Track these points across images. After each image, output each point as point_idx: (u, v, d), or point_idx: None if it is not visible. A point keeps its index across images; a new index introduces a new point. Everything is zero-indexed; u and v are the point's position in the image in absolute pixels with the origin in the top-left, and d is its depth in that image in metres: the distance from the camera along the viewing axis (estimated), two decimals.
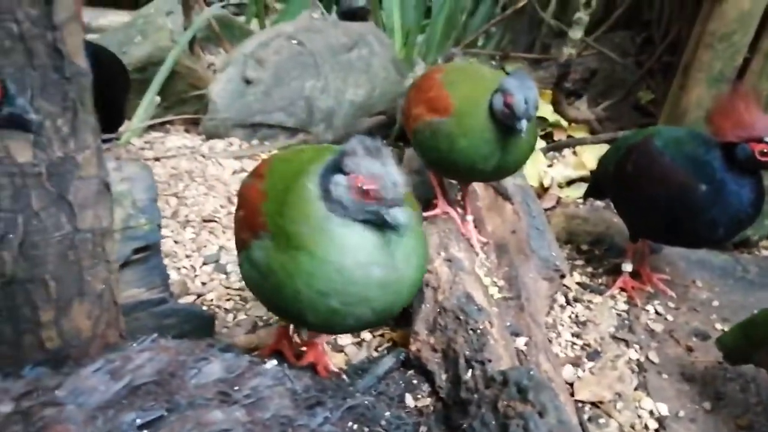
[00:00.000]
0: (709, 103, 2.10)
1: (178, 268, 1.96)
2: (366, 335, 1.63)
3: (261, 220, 1.04)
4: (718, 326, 1.82)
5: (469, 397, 1.17)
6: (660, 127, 1.90)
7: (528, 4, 3.23)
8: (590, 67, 3.11)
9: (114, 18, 3.66)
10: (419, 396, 1.35)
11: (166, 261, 1.93)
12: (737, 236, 2.16)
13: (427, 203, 1.88)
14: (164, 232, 2.09)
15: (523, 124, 1.43)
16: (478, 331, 1.33)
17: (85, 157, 1.02)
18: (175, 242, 2.07)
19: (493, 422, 1.06)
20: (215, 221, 2.18)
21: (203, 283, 1.91)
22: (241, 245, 1.13)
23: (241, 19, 4.08)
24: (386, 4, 3.87)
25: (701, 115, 2.12)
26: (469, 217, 1.86)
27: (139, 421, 0.84)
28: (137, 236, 1.44)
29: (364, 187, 0.94)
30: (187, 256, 2.02)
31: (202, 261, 2.00)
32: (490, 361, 1.24)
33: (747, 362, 1.51)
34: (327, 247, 0.97)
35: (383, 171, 0.94)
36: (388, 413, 1.18)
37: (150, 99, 2.76)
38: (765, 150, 1.44)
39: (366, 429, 1.05)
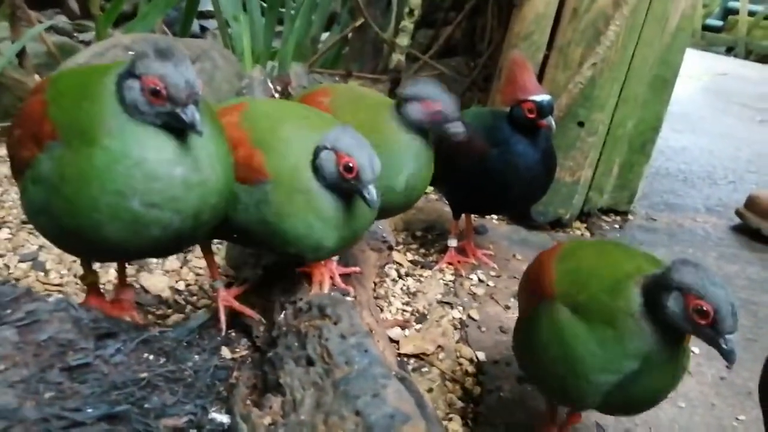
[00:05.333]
0: None
1: None
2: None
3: (47, 128, 0.98)
4: None
5: (278, 333, 1.18)
6: (472, 108, 2.08)
7: (369, 28, 3.42)
8: None
9: None
10: (237, 349, 1.33)
11: None
12: (551, 214, 2.39)
13: None
14: None
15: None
16: (294, 278, 1.35)
17: None
18: None
19: (296, 343, 1.07)
20: None
21: (17, 279, 1.77)
22: (23, 166, 1.03)
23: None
24: (235, 30, 3.93)
25: None
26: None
27: None
28: None
29: (156, 88, 0.94)
30: (1, 256, 1.87)
31: (18, 259, 1.86)
32: (302, 299, 1.25)
33: None
34: (125, 142, 0.94)
35: (175, 71, 0.95)
36: (197, 357, 1.16)
37: None
38: (531, 108, 1.65)
39: (163, 359, 1.03)
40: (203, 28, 5.96)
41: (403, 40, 2.54)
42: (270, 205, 1.13)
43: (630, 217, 2.68)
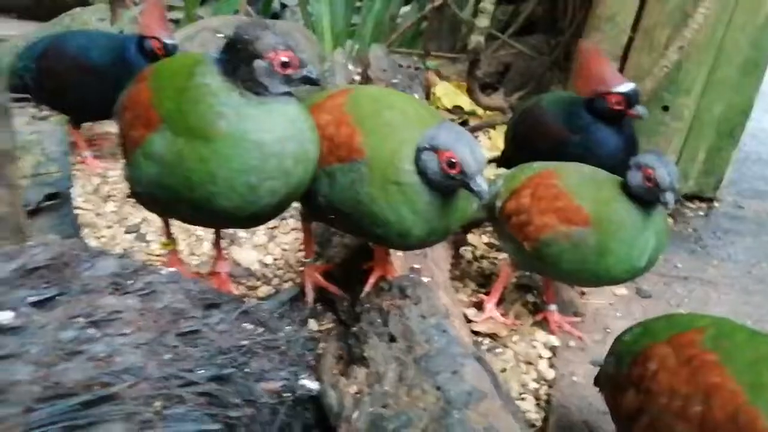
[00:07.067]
0: None
1: (98, 238, 1.99)
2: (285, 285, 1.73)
3: (154, 116, 1.10)
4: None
5: (360, 309, 1.26)
6: (550, 93, 2.08)
7: (446, 6, 3.42)
8: (505, 62, 3.31)
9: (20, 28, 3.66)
10: (323, 322, 1.43)
11: (85, 231, 1.97)
12: None
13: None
14: (86, 206, 2.13)
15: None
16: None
17: None
18: (97, 215, 2.09)
19: (378, 320, 1.15)
20: None
21: (124, 249, 1.94)
22: (134, 144, 1.15)
23: None
24: (315, 9, 4.02)
25: None
26: (553, 307, 1.72)
27: (31, 299, 0.90)
28: (48, 183, 1.48)
29: (287, 59, 1.06)
30: (108, 227, 2.05)
31: (123, 231, 2.03)
32: (383, 278, 1.33)
33: None
34: (243, 127, 1.05)
35: (292, 43, 1.08)
36: (288, 328, 1.26)
37: None
38: (618, 100, 1.64)
39: (261, 329, 1.13)
40: (283, 5, 6.10)
41: (483, 21, 2.54)
42: (362, 184, 1.14)
43: (716, 204, 2.60)
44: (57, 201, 1.50)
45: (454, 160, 1.08)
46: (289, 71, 1.07)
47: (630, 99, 1.64)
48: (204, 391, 0.95)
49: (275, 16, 5.73)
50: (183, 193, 1.10)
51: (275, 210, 1.16)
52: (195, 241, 1.96)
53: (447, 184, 1.12)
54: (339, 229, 1.48)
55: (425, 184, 1.12)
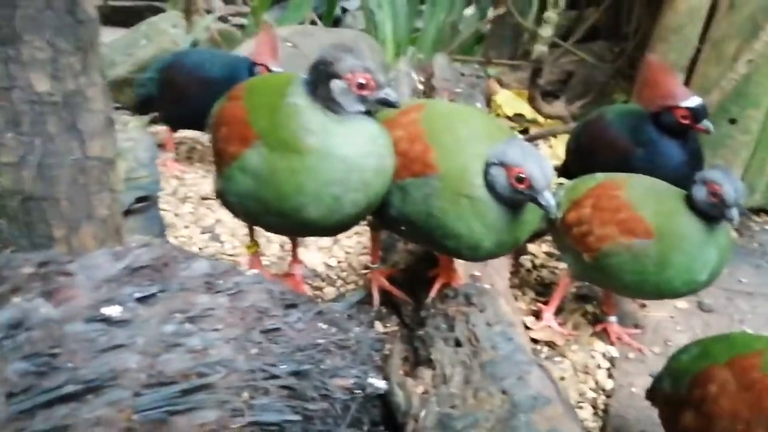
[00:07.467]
0: None
1: (177, 237, 2.12)
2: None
3: (251, 133, 1.19)
4: None
5: (426, 314, 1.32)
6: (614, 105, 2.09)
7: (508, 14, 3.45)
8: (567, 70, 3.31)
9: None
10: (388, 324, 1.50)
11: (165, 231, 2.11)
12: None
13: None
14: (165, 206, 2.26)
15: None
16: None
17: (94, 92, 1.20)
18: (175, 215, 2.24)
19: (444, 325, 1.21)
20: (212, 199, 2.34)
21: (200, 249, 2.07)
22: (229, 158, 1.24)
23: None
24: (378, 15, 4.11)
25: None
26: (613, 318, 1.74)
27: (136, 295, 1.01)
28: (139, 187, 1.61)
29: (364, 81, 1.13)
30: (186, 227, 2.18)
31: (200, 231, 2.17)
32: (448, 285, 1.39)
33: None
34: (329, 143, 1.14)
35: (364, 62, 1.14)
36: (357, 329, 1.33)
37: None
38: (685, 115, 1.65)
39: (334, 329, 1.21)
40: (344, 10, 6.23)
41: (547, 31, 2.56)
42: (435, 198, 1.19)
43: None
44: (146, 203, 1.63)
45: (522, 176, 1.13)
46: (365, 92, 1.14)
47: (697, 114, 1.65)
48: (285, 384, 1.03)
49: (337, 21, 5.87)
50: (274, 203, 1.19)
51: (354, 220, 1.24)
52: (265, 243, 2.07)
53: (515, 199, 1.17)
54: (408, 240, 1.54)
55: (494, 198, 1.18)
